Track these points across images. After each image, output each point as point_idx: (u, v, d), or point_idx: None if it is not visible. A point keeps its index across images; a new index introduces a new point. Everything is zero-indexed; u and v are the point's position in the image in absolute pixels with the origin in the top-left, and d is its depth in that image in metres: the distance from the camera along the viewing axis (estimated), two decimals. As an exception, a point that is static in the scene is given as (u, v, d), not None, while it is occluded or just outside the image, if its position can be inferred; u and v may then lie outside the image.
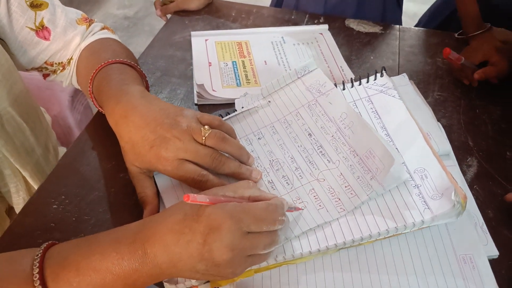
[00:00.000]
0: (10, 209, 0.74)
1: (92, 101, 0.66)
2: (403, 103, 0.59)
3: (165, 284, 0.49)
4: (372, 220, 0.50)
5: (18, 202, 0.72)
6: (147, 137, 0.53)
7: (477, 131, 0.73)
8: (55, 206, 0.58)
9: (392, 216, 0.49)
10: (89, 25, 0.74)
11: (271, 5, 1.31)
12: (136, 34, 2.65)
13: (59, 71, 0.74)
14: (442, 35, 0.98)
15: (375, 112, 0.60)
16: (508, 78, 0.82)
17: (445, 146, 0.60)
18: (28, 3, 0.67)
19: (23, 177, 0.71)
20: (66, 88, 0.98)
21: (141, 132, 0.54)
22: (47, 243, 0.46)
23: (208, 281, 0.49)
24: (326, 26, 0.95)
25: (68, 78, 0.76)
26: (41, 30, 0.69)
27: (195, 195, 0.43)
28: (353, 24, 1.00)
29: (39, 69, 0.74)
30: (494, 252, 0.51)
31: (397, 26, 1.01)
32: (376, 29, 0.99)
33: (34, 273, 0.42)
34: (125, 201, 0.59)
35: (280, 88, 0.65)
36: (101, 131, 0.69)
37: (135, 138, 0.54)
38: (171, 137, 0.53)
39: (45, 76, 0.77)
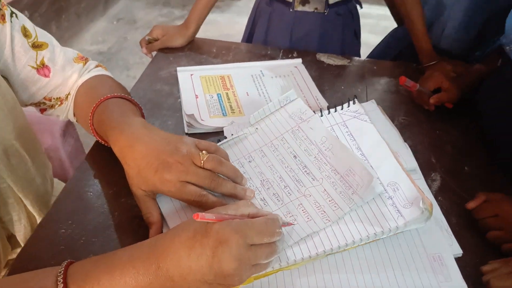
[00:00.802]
0: (10, 237, 0.77)
1: (92, 132, 0.72)
2: (374, 126, 0.68)
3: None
4: (354, 228, 0.57)
5: (20, 229, 0.76)
6: (152, 163, 0.59)
7: (439, 150, 0.83)
8: (63, 230, 0.63)
9: (371, 224, 0.57)
10: (85, 63, 0.81)
11: (242, 40, 1.41)
12: (110, 68, 2.70)
13: (57, 105, 0.80)
14: (403, 65, 1.10)
15: (350, 135, 0.68)
16: (462, 104, 0.93)
17: (412, 163, 0.69)
18: (30, 43, 0.73)
19: (25, 206, 0.75)
20: (58, 122, 1.02)
21: (146, 159, 0.60)
22: (66, 262, 0.51)
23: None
24: (299, 60, 1.05)
25: (65, 112, 0.81)
26: (42, 68, 0.75)
27: (204, 213, 0.49)
28: (324, 58, 1.10)
29: (37, 104, 0.79)
30: (459, 251, 0.59)
31: (363, 59, 1.12)
32: (344, 61, 1.09)
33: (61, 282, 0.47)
34: (128, 223, 0.64)
35: (265, 116, 0.72)
36: (100, 160, 0.74)
37: (141, 164, 0.60)
38: (174, 161, 0.59)
39: (42, 110, 0.82)
